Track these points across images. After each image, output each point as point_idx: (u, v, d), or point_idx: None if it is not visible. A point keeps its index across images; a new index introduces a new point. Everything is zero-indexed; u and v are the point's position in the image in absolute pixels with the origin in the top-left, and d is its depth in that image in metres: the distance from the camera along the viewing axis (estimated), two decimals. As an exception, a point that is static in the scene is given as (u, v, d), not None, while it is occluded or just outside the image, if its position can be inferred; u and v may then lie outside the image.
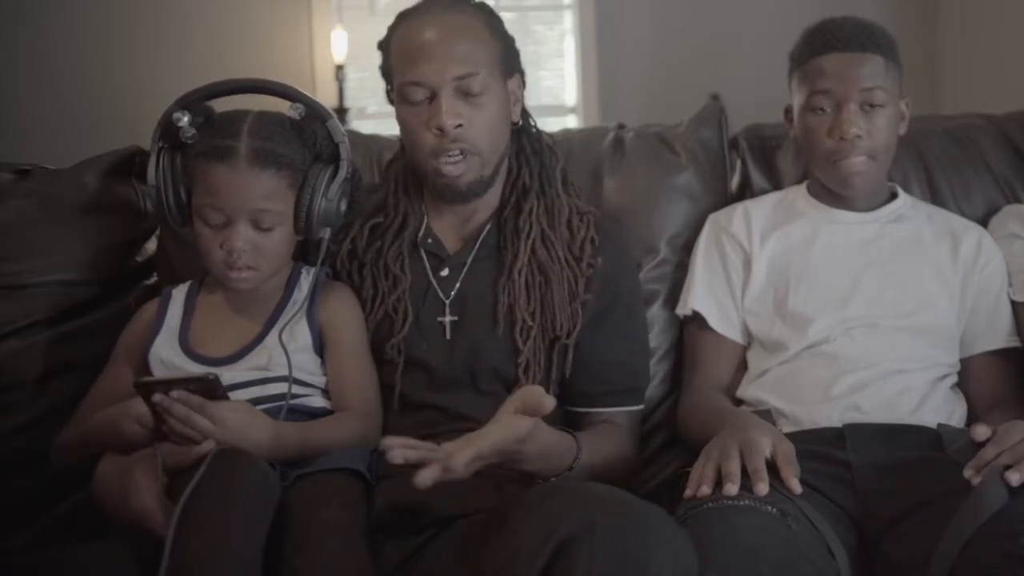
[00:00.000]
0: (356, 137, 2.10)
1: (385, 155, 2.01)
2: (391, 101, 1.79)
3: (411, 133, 1.74)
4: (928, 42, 4.72)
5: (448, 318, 1.77)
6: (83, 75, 4.57)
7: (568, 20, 5.06)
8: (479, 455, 1.48)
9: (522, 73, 1.83)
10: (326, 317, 1.71)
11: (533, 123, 1.87)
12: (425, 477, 1.42)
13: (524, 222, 1.78)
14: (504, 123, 1.77)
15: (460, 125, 1.70)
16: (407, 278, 1.77)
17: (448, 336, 1.76)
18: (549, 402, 1.52)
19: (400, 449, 1.44)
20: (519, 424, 1.51)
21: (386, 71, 1.79)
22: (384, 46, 1.80)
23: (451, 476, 1.45)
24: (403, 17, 1.78)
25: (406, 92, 1.73)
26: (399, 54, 1.75)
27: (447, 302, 1.78)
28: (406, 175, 1.84)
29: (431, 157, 1.72)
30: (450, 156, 1.71)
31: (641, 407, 1.87)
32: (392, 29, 1.79)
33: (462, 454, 1.46)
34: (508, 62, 1.79)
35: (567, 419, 1.83)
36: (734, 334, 1.91)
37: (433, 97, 1.71)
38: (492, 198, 1.82)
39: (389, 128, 2.11)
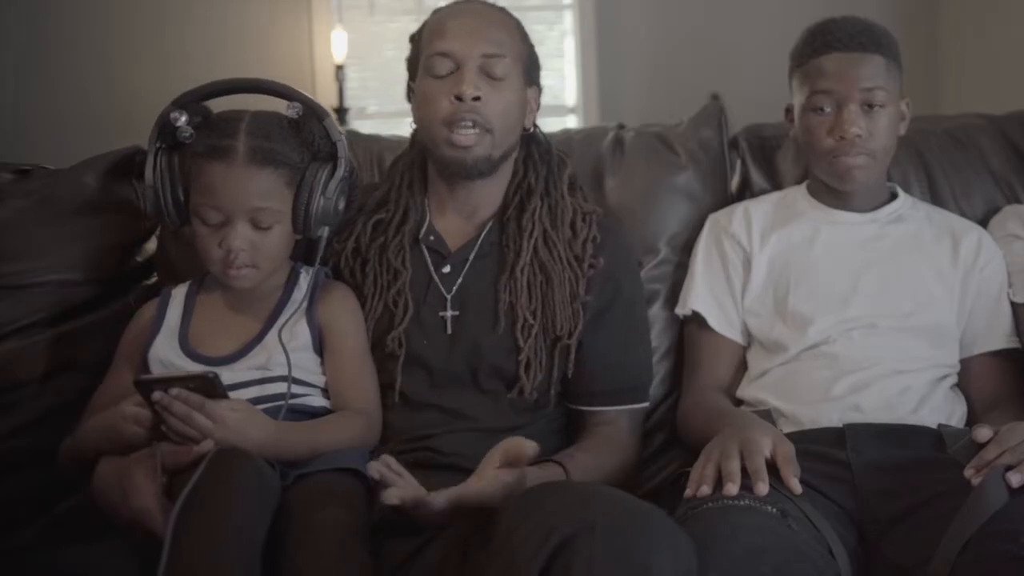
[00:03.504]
0: (356, 137, 2.10)
1: (385, 155, 2.02)
2: (409, 99, 1.82)
3: (429, 103, 1.76)
4: (928, 42, 4.72)
5: (449, 313, 1.78)
6: (83, 75, 4.57)
7: (568, 20, 5.07)
8: (460, 501, 1.51)
9: (540, 89, 1.87)
10: (326, 316, 1.72)
11: (543, 134, 1.89)
12: (392, 495, 1.48)
13: (527, 222, 1.79)
14: (518, 115, 1.80)
15: (478, 98, 1.72)
16: (408, 271, 1.78)
17: (449, 331, 1.77)
18: (531, 449, 1.54)
19: (389, 485, 1.49)
20: (504, 479, 1.53)
21: (412, 61, 1.82)
22: (416, 36, 1.83)
23: (423, 510, 1.51)
24: (439, 9, 1.83)
25: (432, 63, 1.76)
26: (430, 33, 1.79)
27: (448, 297, 1.78)
28: (411, 171, 1.85)
29: (444, 125, 1.74)
30: (464, 125, 1.73)
31: (645, 404, 1.87)
32: (426, 21, 1.83)
33: (440, 496, 1.50)
34: (531, 72, 1.83)
35: (570, 417, 1.83)
36: (734, 334, 1.91)
37: (457, 70, 1.74)
38: (494, 195, 1.83)
39: (389, 128, 2.12)
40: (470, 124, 1.73)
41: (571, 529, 1.33)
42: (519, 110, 1.79)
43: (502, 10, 1.83)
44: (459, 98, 1.72)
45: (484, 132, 1.74)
